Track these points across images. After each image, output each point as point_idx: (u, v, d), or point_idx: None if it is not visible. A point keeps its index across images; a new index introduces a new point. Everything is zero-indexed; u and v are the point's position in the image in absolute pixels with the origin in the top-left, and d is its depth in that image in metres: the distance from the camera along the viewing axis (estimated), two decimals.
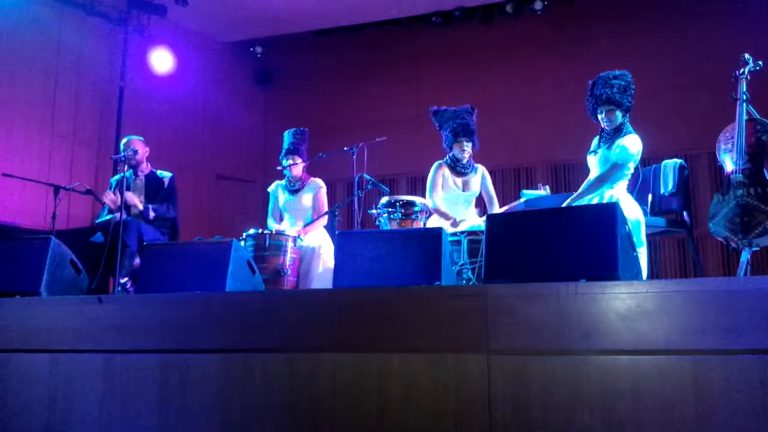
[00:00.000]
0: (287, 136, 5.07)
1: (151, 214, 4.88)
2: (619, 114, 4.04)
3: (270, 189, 5.19)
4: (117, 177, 5.21)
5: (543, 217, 2.90)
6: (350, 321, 2.67)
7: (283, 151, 5.02)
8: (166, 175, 5.13)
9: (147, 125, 6.89)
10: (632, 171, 4.08)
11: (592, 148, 4.19)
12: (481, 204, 4.88)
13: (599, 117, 4.11)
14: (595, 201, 4.00)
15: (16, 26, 6.41)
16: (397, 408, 2.49)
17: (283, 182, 5.11)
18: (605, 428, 2.22)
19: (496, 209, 4.71)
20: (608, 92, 4.03)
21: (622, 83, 4.04)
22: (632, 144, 3.98)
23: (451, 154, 4.68)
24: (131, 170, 5.03)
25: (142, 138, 5.18)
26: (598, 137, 4.20)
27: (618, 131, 4.04)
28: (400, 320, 2.58)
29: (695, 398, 2.15)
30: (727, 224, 3.82)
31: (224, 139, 8.29)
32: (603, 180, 4.00)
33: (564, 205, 4.00)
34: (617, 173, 4.00)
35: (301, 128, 5.11)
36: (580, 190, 4.06)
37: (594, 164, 4.14)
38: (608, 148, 4.05)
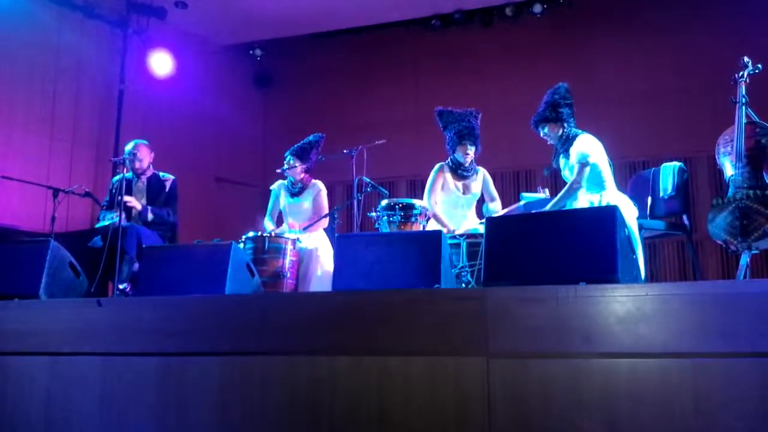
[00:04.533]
0: (306, 139, 5.05)
1: (150, 216, 4.87)
2: (554, 127, 4.21)
3: (272, 187, 5.18)
4: (118, 177, 5.20)
5: (542, 220, 2.90)
6: (349, 324, 2.67)
7: (291, 149, 5.01)
8: (168, 177, 5.12)
9: (146, 128, 6.88)
10: (606, 165, 4.12)
11: (562, 167, 4.29)
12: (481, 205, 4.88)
13: (542, 137, 4.31)
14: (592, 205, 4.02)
15: (15, 29, 6.40)
16: (397, 411, 2.48)
17: (286, 182, 5.10)
18: (605, 431, 2.22)
19: (498, 209, 4.72)
20: (538, 114, 4.26)
21: (549, 101, 4.23)
22: (583, 143, 4.10)
23: (452, 157, 4.68)
24: (131, 174, 5.02)
25: (147, 143, 5.16)
26: (556, 156, 4.31)
27: (567, 140, 4.17)
28: (400, 323, 2.58)
29: (695, 401, 2.15)
30: (726, 227, 3.81)
31: (223, 142, 8.29)
32: (576, 182, 4.06)
33: (542, 210, 4.06)
34: (587, 173, 4.06)
35: (320, 134, 5.07)
36: (557, 196, 4.12)
37: (568, 177, 4.23)
38: (567, 157, 4.17)
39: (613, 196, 4.02)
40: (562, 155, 4.23)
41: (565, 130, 4.18)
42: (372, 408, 2.52)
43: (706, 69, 6.71)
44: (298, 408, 2.62)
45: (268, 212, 5.16)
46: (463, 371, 2.42)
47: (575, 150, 4.08)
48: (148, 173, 5.10)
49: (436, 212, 4.59)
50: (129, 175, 4.92)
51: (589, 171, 4.04)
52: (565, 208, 4.01)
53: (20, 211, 6.08)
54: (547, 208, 4.10)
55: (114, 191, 4.98)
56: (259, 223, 5.04)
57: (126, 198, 4.72)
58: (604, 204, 3.95)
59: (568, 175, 4.21)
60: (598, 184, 4.07)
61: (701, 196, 6.75)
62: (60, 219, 5.16)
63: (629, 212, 3.98)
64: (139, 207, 4.87)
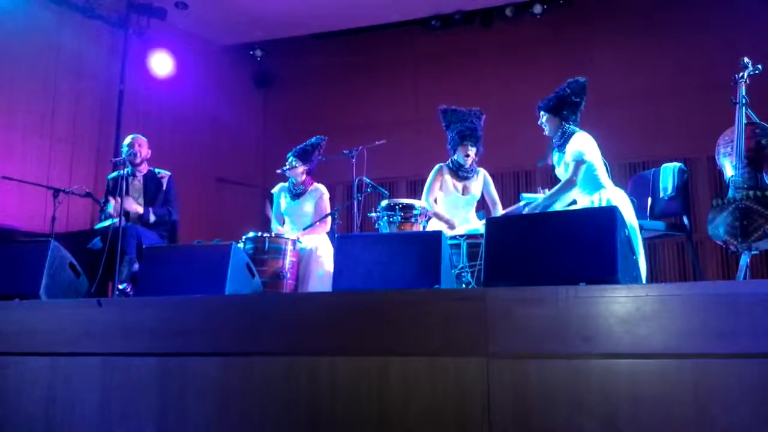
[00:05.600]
0: (308, 141, 5.05)
1: (152, 218, 4.87)
2: (553, 120, 4.17)
3: (273, 191, 5.19)
4: (113, 175, 5.17)
5: (542, 220, 2.90)
6: (350, 324, 2.67)
7: (293, 150, 5.00)
8: (164, 173, 5.11)
9: (146, 128, 6.84)
10: (601, 164, 4.09)
11: (556, 163, 4.27)
12: (482, 207, 4.87)
13: (539, 124, 4.27)
14: (591, 205, 4.02)
15: (15, 29, 6.40)
16: (396, 411, 2.48)
17: (287, 184, 5.10)
18: (604, 431, 2.22)
19: (500, 212, 4.72)
20: (544, 100, 4.21)
21: (560, 93, 4.17)
22: (579, 141, 4.05)
23: (453, 157, 4.67)
24: (130, 170, 4.99)
25: (145, 138, 5.16)
26: (550, 149, 4.30)
27: (563, 137, 4.14)
28: (400, 323, 2.58)
29: (695, 402, 2.15)
30: (726, 228, 3.82)
31: (224, 142, 8.30)
32: (571, 181, 4.04)
33: (534, 205, 4.07)
34: (582, 171, 4.02)
35: (322, 137, 5.06)
36: (550, 192, 4.10)
37: (561, 173, 4.22)
38: (563, 154, 4.15)
39: (612, 192, 4.01)
40: (557, 150, 4.21)
41: (564, 127, 4.15)
42: (372, 408, 2.52)
43: (706, 69, 6.72)
44: (298, 408, 2.62)
45: (273, 216, 5.16)
46: (463, 371, 2.42)
47: (571, 148, 4.05)
48: (144, 170, 5.08)
49: (435, 209, 4.60)
50: (126, 171, 4.87)
51: (585, 170, 4.02)
52: (555, 205, 4.02)
53: (20, 211, 6.08)
54: (538, 202, 4.08)
55: (111, 190, 4.98)
56: (267, 226, 5.06)
57: (126, 201, 4.72)
58: (604, 201, 3.95)
59: (560, 172, 4.20)
60: (594, 185, 4.05)
61: (701, 197, 6.75)
62: (60, 219, 5.17)
63: (627, 207, 3.96)
64: (140, 211, 4.86)
